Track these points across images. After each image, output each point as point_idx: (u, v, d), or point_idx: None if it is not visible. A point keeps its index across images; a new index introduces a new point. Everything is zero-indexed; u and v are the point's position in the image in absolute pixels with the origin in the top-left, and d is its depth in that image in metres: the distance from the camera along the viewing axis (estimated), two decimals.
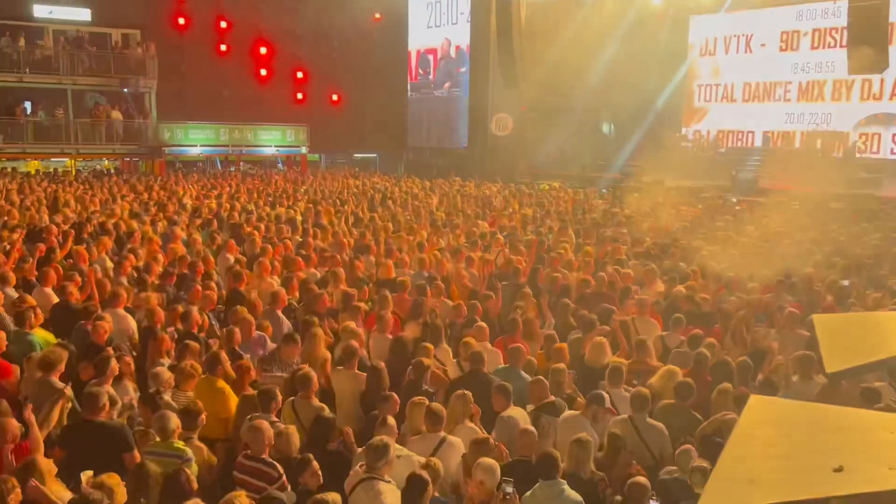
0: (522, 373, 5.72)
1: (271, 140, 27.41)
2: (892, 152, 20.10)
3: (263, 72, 26.93)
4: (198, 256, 8.73)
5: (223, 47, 26.31)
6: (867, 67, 15.57)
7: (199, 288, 7.06)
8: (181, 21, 25.80)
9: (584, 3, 23.91)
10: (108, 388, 4.82)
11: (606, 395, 5.12)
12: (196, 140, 25.91)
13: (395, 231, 11.35)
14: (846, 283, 7.85)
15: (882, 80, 20.24)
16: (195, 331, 6.24)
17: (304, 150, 27.91)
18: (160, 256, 8.72)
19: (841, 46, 17.86)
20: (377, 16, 26.99)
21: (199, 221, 11.76)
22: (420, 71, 26.45)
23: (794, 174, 19.35)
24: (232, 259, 8.85)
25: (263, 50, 26.72)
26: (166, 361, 5.57)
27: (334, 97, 28.32)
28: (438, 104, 25.71)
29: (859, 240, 10.75)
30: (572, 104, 24.71)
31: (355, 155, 29.54)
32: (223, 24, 26.28)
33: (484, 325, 6.37)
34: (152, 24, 24.82)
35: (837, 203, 15.33)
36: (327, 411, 4.89)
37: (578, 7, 24.10)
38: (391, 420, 4.50)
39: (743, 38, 24.12)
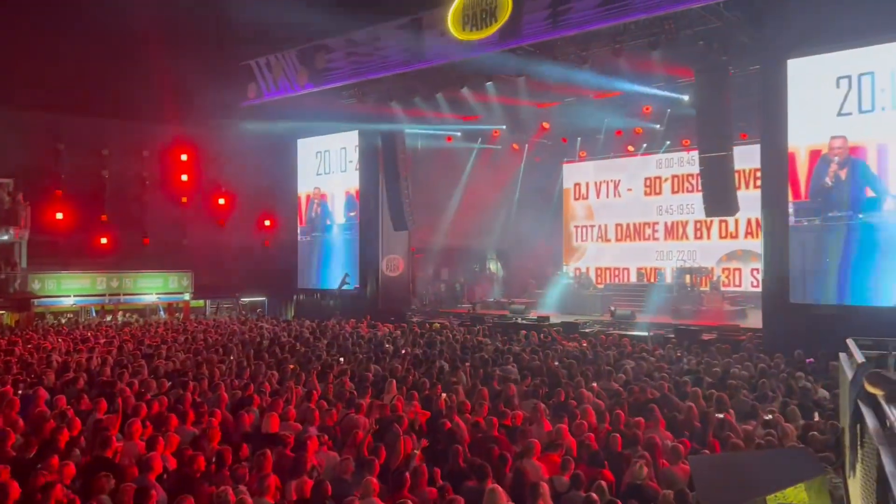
0: None
1: (152, 287, 26.46)
2: (752, 285, 21.82)
3: (146, 218, 26.59)
4: (62, 420, 8.02)
5: (104, 195, 25.89)
6: (720, 211, 17.18)
7: (57, 458, 6.42)
8: (58, 169, 25.33)
9: (465, 151, 25.38)
10: None
11: None
12: (69, 290, 24.61)
13: (281, 380, 10.96)
14: (721, 415, 8.18)
15: (736, 221, 22.34)
16: None
17: (187, 296, 27.06)
18: (18, 422, 7.95)
19: (697, 191, 19.65)
20: (264, 162, 27.51)
21: (66, 379, 10.92)
22: (311, 215, 26.77)
23: (667, 308, 20.57)
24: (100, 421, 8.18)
25: (145, 197, 26.52)
26: None
27: (220, 242, 28.04)
28: (329, 247, 25.90)
29: (730, 371, 11.33)
30: (460, 244, 25.60)
31: (242, 299, 28.87)
32: (105, 174, 25.99)
33: (373, 480, 6.09)
34: (28, 172, 24.11)
35: (709, 334, 16.29)
36: None
37: (461, 154, 25.56)
38: None
39: (611, 184, 26.20)
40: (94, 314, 25.08)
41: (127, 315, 25.02)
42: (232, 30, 23.59)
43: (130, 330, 19.40)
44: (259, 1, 20.97)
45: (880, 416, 3.05)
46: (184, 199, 27.66)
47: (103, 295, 25.40)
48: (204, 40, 24.00)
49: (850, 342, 4.41)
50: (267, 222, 28.51)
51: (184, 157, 27.71)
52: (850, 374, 3.89)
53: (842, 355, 4.68)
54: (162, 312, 26.51)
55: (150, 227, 26.77)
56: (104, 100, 24.16)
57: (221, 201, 27.91)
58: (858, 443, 3.36)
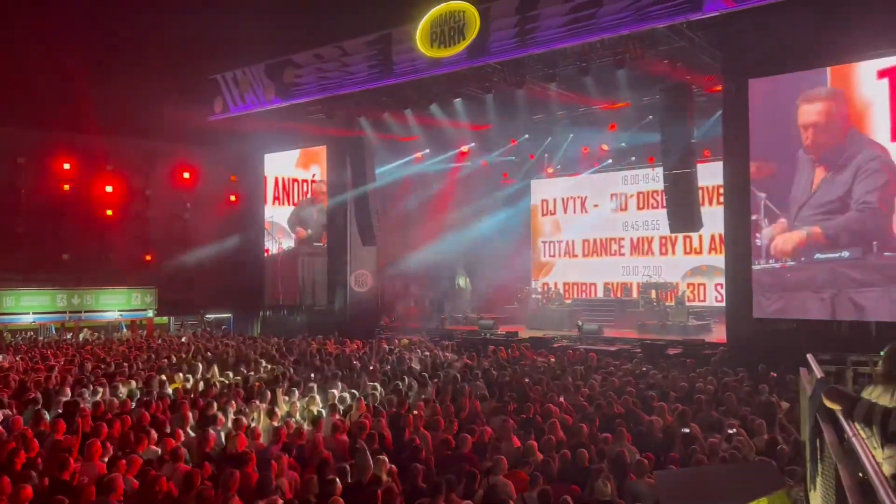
0: None
1: (115, 304, 25.95)
2: (716, 300, 22.15)
3: (109, 234, 26.14)
4: (20, 441, 7.79)
5: (64, 210, 25.40)
6: (684, 227, 17.45)
7: (8, 480, 6.20)
8: (18, 184, 24.81)
9: (433, 167, 25.42)
10: None
11: None
12: (29, 307, 24.03)
13: (247, 397, 10.82)
14: (686, 430, 8.26)
15: (700, 237, 22.70)
16: None
17: (150, 313, 26.58)
18: None
19: (662, 207, 19.93)
20: (232, 177, 27.25)
21: (25, 399, 10.62)
22: (278, 229, 26.55)
23: (634, 323, 20.79)
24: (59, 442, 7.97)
25: (109, 212, 26.07)
26: None
27: (185, 258, 27.65)
28: (297, 262, 25.69)
29: (695, 384, 11.46)
30: (429, 259, 25.59)
31: (207, 316, 28.44)
32: (66, 187, 25.51)
33: (338, 500, 6.02)
34: None
35: (675, 349, 16.48)
36: None
37: (429, 170, 25.59)
38: None
39: (578, 200, 26.47)
40: (53, 332, 24.51)
41: (88, 332, 24.48)
42: (198, 43, 23.44)
43: (91, 348, 18.97)
44: (225, 15, 20.89)
45: (838, 430, 3.11)
46: (148, 215, 27.27)
47: (64, 312, 24.85)
48: (169, 54, 23.79)
49: (809, 357, 4.50)
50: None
51: (149, 172, 27.36)
52: (809, 389, 3.97)
53: (802, 370, 4.77)
54: (124, 330, 26.01)
55: (112, 242, 26.29)
56: (64, 113, 23.77)
57: (187, 232, 27.56)
58: (818, 457, 3.42)
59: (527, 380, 12.21)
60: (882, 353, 3.64)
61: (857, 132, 14.26)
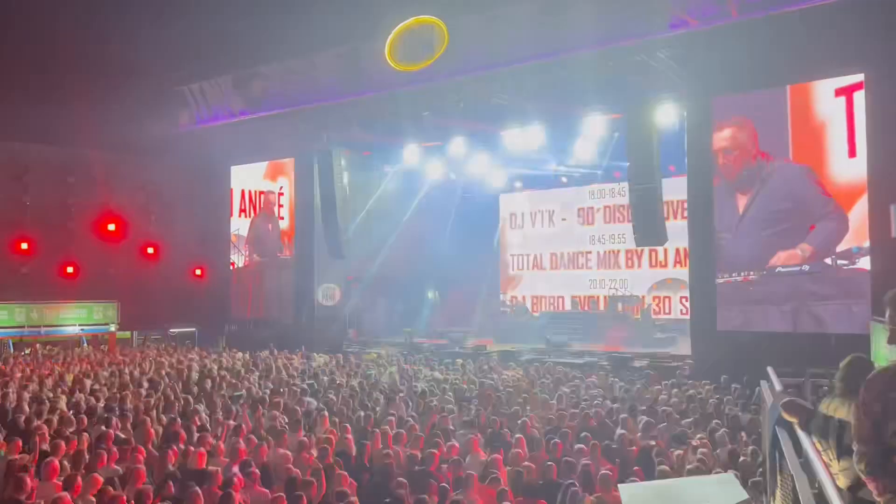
0: None
1: (76, 319, 25.35)
2: (681, 313, 22.41)
3: (69, 246, 25.61)
4: None
5: (24, 222, 24.82)
6: (650, 241, 17.68)
7: None
8: None
9: (402, 180, 25.43)
10: None
11: None
12: None
13: (209, 414, 10.63)
14: (652, 442, 8.33)
15: (665, 250, 23.00)
16: None
17: (112, 327, 26.01)
18: None
19: (628, 221, 20.17)
20: (198, 189, 26.91)
21: None
22: (243, 242, 26.27)
23: (601, 335, 20.94)
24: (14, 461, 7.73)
25: (70, 224, 25.54)
26: None
27: (148, 271, 27.19)
28: (262, 276, 25.42)
29: (660, 398, 11.57)
30: (397, 273, 25.52)
31: (171, 330, 27.92)
32: (27, 202, 24.95)
33: None
34: None
35: (640, 361, 16.64)
36: None
37: (398, 183, 25.61)
38: None
39: (546, 213, 26.67)
40: (11, 347, 23.84)
41: (47, 348, 23.86)
42: (163, 54, 23.16)
43: (51, 364, 18.50)
44: (192, 26, 20.69)
45: (796, 443, 3.16)
46: (111, 227, 26.74)
47: (21, 327, 24.20)
48: (133, 65, 23.46)
49: (769, 370, 4.57)
50: (198, 271, 27.71)
51: (112, 184, 26.88)
52: (769, 402, 4.03)
53: (763, 382, 4.84)
54: (85, 345, 25.41)
55: (74, 255, 25.74)
56: (26, 124, 23.26)
57: (151, 246, 27.12)
58: (777, 469, 3.47)
59: (495, 393, 12.19)
60: (840, 366, 3.71)
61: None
